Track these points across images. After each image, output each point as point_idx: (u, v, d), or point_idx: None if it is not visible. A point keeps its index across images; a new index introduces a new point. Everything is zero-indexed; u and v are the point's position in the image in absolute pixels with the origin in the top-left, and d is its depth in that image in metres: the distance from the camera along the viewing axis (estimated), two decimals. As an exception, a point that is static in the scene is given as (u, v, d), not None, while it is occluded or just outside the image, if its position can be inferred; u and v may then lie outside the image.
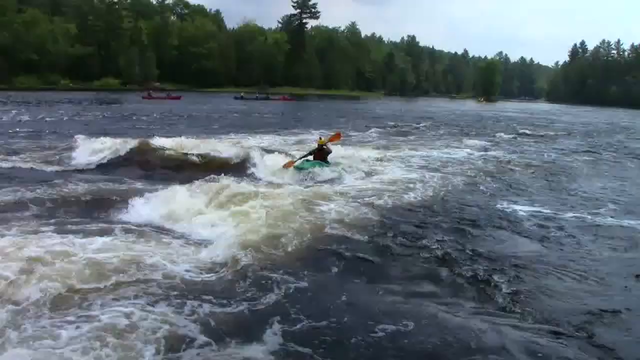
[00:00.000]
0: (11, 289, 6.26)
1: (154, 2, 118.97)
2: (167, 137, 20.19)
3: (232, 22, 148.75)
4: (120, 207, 10.59)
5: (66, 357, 5.08)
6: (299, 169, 14.63)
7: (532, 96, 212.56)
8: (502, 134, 34.47)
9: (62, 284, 6.50)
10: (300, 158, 15.53)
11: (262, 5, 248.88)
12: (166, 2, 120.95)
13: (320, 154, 15.32)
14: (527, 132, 36.97)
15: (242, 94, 78.02)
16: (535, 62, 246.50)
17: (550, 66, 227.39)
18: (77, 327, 5.61)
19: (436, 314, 6.41)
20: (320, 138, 16.08)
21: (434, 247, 8.79)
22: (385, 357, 5.50)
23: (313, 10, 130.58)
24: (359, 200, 11.74)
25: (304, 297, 6.74)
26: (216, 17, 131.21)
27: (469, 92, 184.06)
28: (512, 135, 33.97)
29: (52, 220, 9.46)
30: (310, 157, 15.47)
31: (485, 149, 24.64)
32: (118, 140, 18.29)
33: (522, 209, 12.27)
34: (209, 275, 7.31)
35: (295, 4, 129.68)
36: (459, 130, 37.12)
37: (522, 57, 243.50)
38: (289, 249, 8.33)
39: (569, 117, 68.80)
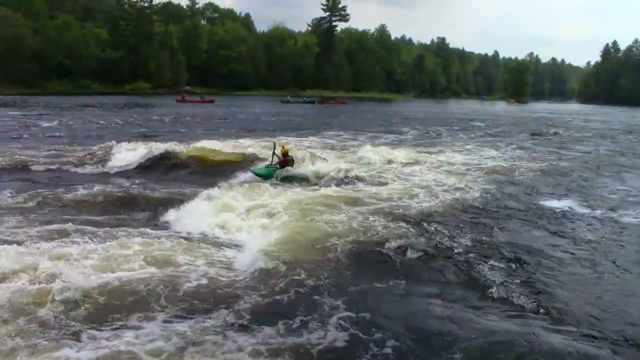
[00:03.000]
0: (44, 289, 6.36)
1: (185, 7, 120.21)
2: (207, 140, 20.61)
3: (261, 25, 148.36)
4: (153, 211, 10.81)
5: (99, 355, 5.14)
6: (259, 175, 14.84)
7: (563, 97, 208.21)
8: (536, 135, 33.62)
9: (94, 283, 6.62)
10: (268, 166, 15.53)
11: (292, 9, 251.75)
12: (196, 6, 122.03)
13: (285, 162, 15.39)
14: (562, 132, 36.12)
15: (288, 97, 77.52)
16: (567, 62, 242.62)
17: (581, 66, 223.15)
18: (110, 327, 5.73)
19: (470, 318, 6.39)
20: (283, 147, 15.98)
21: (465, 250, 8.71)
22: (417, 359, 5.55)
23: (343, 13, 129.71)
24: (393, 204, 11.65)
25: (337, 300, 6.76)
26: (246, 21, 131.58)
27: (500, 93, 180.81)
28: (547, 136, 33.20)
29: (84, 222, 9.65)
30: (276, 164, 15.45)
31: (519, 151, 24.02)
32: (153, 144, 18.53)
33: (562, 212, 12.06)
34: (239, 278, 7.40)
35: (325, 7, 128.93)
36: (492, 132, 36.47)
37: (553, 58, 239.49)
38: (321, 253, 8.34)
39: (604, 117, 67.10)
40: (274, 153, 15.55)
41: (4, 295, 6.21)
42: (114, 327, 5.87)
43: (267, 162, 15.82)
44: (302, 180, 14.66)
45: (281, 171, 14.96)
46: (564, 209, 12.39)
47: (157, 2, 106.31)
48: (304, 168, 15.64)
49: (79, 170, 16.29)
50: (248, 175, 15.17)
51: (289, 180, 14.54)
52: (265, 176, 14.73)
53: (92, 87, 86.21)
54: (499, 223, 10.78)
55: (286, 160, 15.47)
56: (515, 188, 14.78)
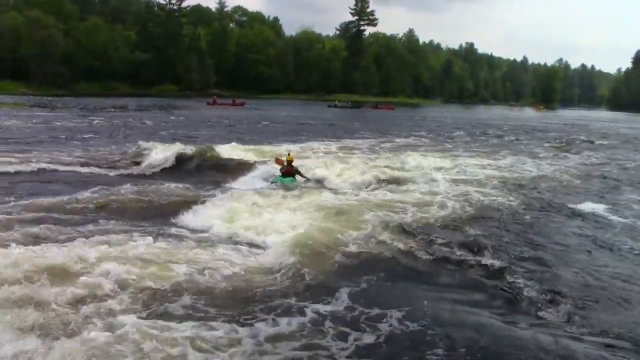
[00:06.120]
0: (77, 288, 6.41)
1: (213, 9, 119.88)
2: (238, 143, 21.10)
3: (290, 29, 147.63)
4: (182, 212, 10.77)
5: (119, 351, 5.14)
6: (280, 180, 14.62)
7: (593, 104, 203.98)
8: (568, 142, 32.96)
9: (125, 284, 6.67)
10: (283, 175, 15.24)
11: (320, 13, 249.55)
12: (225, 9, 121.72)
13: (290, 170, 15.12)
14: (597, 141, 34.92)
15: (336, 102, 76.88)
16: (597, 68, 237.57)
17: (612, 73, 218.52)
18: (137, 325, 5.63)
19: (498, 325, 6.30)
20: (288, 154, 15.67)
21: (495, 256, 8.54)
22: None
23: (371, 17, 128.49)
24: (422, 208, 11.44)
25: (358, 302, 6.74)
26: (274, 24, 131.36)
27: (528, 99, 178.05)
28: (579, 143, 32.65)
29: (116, 223, 9.76)
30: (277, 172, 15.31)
31: (550, 159, 23.50)
32: (183, 146, 18.58)
33: (597, 219, 11.90)
34: (268, 278, 7.43)
35: (353, 11, 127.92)
36: (522, 138, 36.06)
37: (582, 64, 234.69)
38: (344, 255, 8.31)
39: (634, 124, 66.02)
40: (280, 162, 15.37)
41: (57, 289, 6.34)
42: (151, 319, 5.98)
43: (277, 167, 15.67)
44: (321, 185, 14.67)
45: (292, 180, 14.80)
46: (599, 216, 12.24)
47: (186, 5, 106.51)
48: (309, 178, 15.51)
49: (109, 171, 16.35)
50: (270, 180, 15.07)
51: (305, 186, 14.41)
52: (288, 182, 14.57)
53: (121, 89, 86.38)
54: (533, 230, 10.70)
55: (291, 168, 15.16)
56: (550, 194, 14.60)
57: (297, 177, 15.03)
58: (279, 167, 15.27)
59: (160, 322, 5.82)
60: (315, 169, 16.07)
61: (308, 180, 15.28)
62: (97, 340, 5.28)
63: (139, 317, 5.92)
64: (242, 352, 5.44)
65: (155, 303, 6.37)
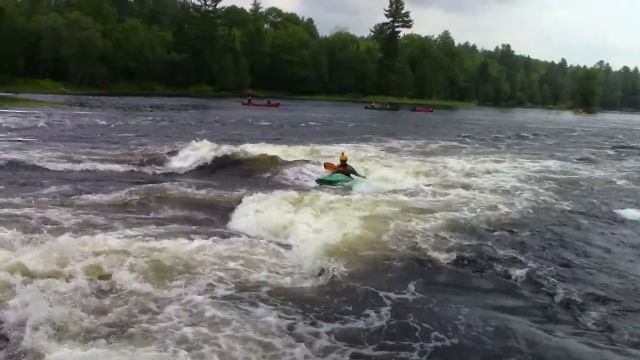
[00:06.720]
0: (115, 286, 6.44)
1: (248, 11, 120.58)
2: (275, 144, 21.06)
3: (324, 30, 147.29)
4: (217, 212, 10.87)
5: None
6: (324, 182, 14.41)
7: (636, 107, 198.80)
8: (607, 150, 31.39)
9: (159, 284, 6.64)
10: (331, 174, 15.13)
11: (355, 14, 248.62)
12: (260, 10, 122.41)
13: (344, 170, 14.99)
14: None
15: (372, 104, 76.71)
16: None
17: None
18: (172, 325, 5.64)
19: (530, 331, 6.13)
20: (342, 154, 15.63)
21: (533, 262, 8.36)
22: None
23: (405, 19, 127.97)
24: (461, 211, 11.25)
25: (390, 306, 6.58)
26: (309, 26, 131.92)
27: (566, 102, 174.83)
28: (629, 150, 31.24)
29: (151, 222, 9.73)
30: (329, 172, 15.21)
31: (595, 163, 23.01)
32: (218, 146, 18.50)
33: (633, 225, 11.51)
34: (301, 282, 7.36)
35: (387, 13, 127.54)
36: (563, 141, 35.74)
37: (625, 66, 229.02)
38: (378, 259, 8.13)
39: None
40: (338, 165, 15.20)
41: (102, 284, 6.46)
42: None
43: (324, 170, 15.47)
44: (365, 188, 14.12)
45: (349, 180, 14.54)
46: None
47: (221, 7, 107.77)
48: (368, 175, 15.44)
49: (145, 169, 16.43)
50: (312, 181, 14.96)
51: (349, 187, 14.03)
52: (329, 182, 14.32)
53: (157, 89, 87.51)
54: (578, 235, 10.45)
55: (345, 168, 14.99)
56: (596, 200, 14.19)
57: (353, 176, 14.82)
58: (329, 171, 15.08)
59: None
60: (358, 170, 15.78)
61: (364, 178, 15.03)
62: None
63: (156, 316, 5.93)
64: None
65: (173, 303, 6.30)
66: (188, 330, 5.48)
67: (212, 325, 5.66)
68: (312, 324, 6.00)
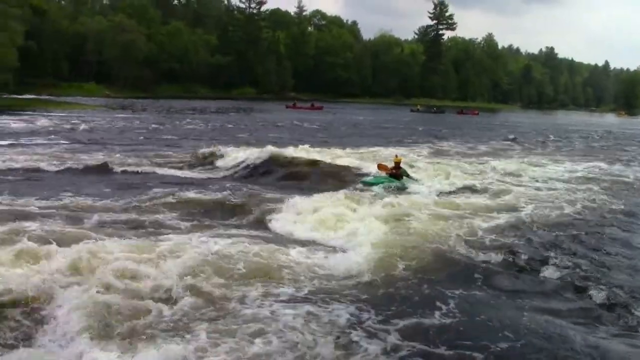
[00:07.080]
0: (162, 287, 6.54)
1: (292, 13, 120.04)
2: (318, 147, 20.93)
3: (368, 33, 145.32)
4: (259, 213, 10.93)
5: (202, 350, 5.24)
6: (368, 184, 14.26)
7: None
8: None
9: (208, 284, 6.78)
10: (376, 177, 15.05)
11: (399, 17, 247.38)
12: (304, 13, 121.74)
13: (397, 173, 14.85)
14: None
15: (418, 107, 76.38)
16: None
17: None
18: (214, 324, 5.79)
19: (578, 334, 6.08)
20: (396, 156, 15.66)
21: (578, 264, 8.35)
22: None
23: (449, 21, 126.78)
24: (506, 212, 11.49)
25: (453, 305, 6.62)
26: (353, 28, 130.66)
27: (610, 105, 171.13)
28: None
29: (195, 223, 10.01)
30: (382, 174, 15.05)
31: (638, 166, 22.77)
32: (261, 148, 18.52)
33: None
34: (363, 281, 7.36)
35: (431, 15, 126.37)
36: (608, 144, 35.51)
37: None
38: (438, 259, 8.21)
39: None
40: (390, 168, 15.04)
41: (137, 286, 6.49)
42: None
43: (375, 172, 15.41)
44: (414, 191, 14.06)
45: (394, 181, 14.47)
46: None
47: (265, 9, 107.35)
48: (418, 178, 15.34)
49: (188, 172, 16.49)
50: (358, 183, 14.71)
51: (400, 190, 13.95)
52: (375, 184, 14.19)
53: (201, 92, 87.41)
54: (624, 238, 10.35)
55: (398, 171, 14.88)
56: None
57: (405, 178, 14.74)
58: (382, 173, 14.93)
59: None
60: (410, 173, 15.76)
61: (416, 181, 14.94)
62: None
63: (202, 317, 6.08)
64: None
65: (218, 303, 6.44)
66: (266, 326, 5.70)
67: (293, 320, 5.90)
68: (382, 321, 6.12)
